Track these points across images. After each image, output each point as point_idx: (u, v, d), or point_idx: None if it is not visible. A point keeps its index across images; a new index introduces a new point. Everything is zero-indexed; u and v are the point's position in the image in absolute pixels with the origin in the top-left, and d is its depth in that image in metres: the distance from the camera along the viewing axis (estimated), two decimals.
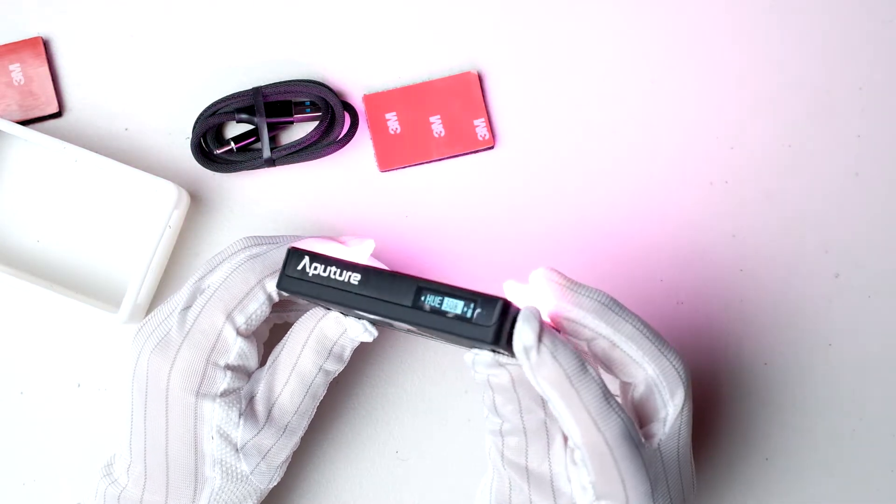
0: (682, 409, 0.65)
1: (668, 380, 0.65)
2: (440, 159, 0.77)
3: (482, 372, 0.64)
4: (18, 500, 0.76)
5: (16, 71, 0.77)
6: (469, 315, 0.61)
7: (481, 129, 0.77)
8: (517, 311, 0.62)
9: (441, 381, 0.77)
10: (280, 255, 0.67)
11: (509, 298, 0.62)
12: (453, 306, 0.61)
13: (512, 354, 0.63)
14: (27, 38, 0.77)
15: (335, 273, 0.64)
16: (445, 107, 0.77)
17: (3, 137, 0.77)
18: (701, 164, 0.78)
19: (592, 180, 0.77)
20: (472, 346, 0.64)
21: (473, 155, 0.78)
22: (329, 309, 0.67)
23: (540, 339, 0.61)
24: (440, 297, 0.62)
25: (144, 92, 0.78)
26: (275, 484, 0.70)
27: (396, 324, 0.65)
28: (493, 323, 0.61)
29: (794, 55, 0.79)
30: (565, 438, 0.65)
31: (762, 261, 0.78)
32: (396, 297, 0.62)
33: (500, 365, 0.64)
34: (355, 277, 0.63)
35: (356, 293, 0.63)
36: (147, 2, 0.78)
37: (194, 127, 0.76)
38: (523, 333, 0.61)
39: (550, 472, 0.65)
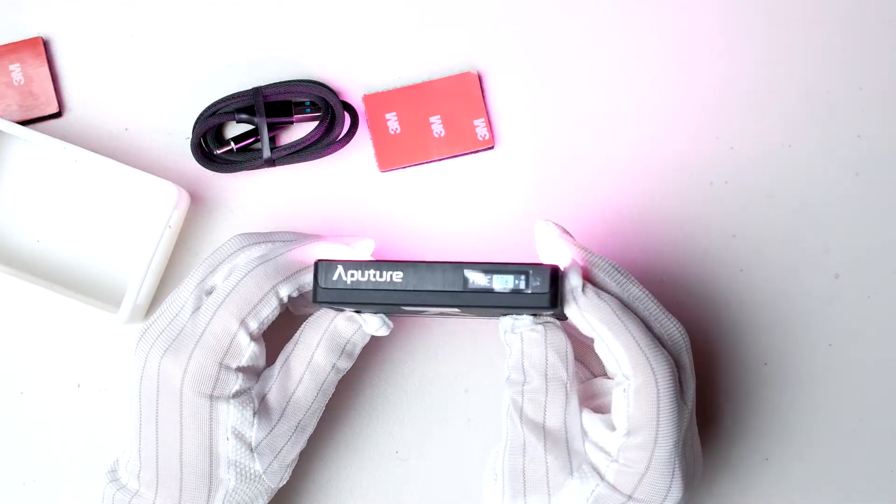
0: (691, 378, 0.67)
1: (671, 336, 0.67)
2: (440, 159, 0.77)
3: (519, 331, 0.66)
4: (18, 500, 0.76)
5: (16, 71, 0.77)
6: (522, 287, 0.63)
7: (481, 129, 0.77)
8: (562, 272, 0.64)
9: (441, 381, 0.77)
10: (289, 258, 0.67)
11: (545, 251, 0.66)
12: (504, 282, 0.63)
13: (554, 313, 0.65)
14: (27, 38, 0.77)
15: (375, 275, 0.64)
16: (445, 107, 0.77)
17: (3, 137, 0.77)
18: (701, 164, 0.78)
19: (592, 180, 0.77)
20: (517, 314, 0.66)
21: (473, 155, 0.78)
22: (360, 312, 0.68)
23: (585, 284, 0.65)
24: (488, 276, 0.63)
25: (144, 92, 0.78)
26: (283, 484, 0.71)
27: (431, 309, 0.66)
28: (548, 290, 0.63)
29: (794, 55, 0.79)
30: (590, 399, 0.68)
31: (762, 261, 0.78)
32: (444, 285, 0.64)
33: (539, 324, 0.66)
34: (397, 275, 0.64)
35: (402, 290, 0.64)
36: (147, 2, 0.78)
37: (194, 127, 0.76)
38: (572, 279, 0.65)
39: (566, 432, 0.66)
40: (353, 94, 0.78)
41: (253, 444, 0.68)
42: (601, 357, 0.66)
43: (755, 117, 0.78)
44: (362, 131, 0.77)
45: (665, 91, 0.78)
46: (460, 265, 0.64)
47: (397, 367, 0.77)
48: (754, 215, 0.78)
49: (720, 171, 0.78)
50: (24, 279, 0.74)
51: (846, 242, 0.78)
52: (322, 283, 0.65)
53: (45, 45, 0.78)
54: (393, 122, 0.77)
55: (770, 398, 0.77)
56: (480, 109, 0.77)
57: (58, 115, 0.77)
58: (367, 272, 0.64)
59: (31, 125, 0.77)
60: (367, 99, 0.77)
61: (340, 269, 0.65)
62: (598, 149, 0.78)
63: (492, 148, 0.78)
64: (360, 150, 0.77)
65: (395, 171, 0.77)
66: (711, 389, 0.77)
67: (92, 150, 0.75)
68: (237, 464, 0.68)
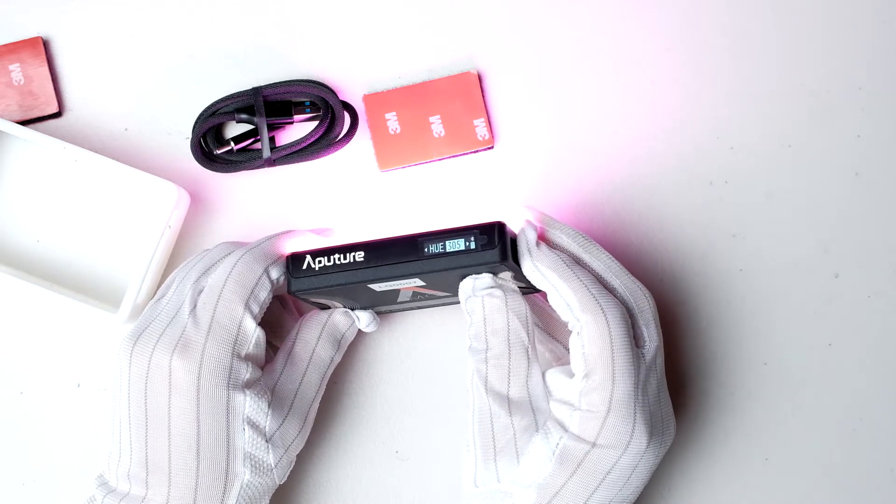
0: (654, 332, 0.69)
1: (638, 302, 0.69)
2: (440, 159, 0.77)
3: (479, 294, 0.68)
4: (18, 500, 0.76)
5: (16, 71, 0.77)
6: (473, 246, 0.67)
7: (481, 129, 0.77)
8: (512, 232, 0.68)
9: (441, 381, 0.77)
10: (270, 245, 0.70)
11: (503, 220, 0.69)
12: (456, 245, 0.67)
13: (512, 270, 0.68)
14: (27, 38, 0.77)
15: (340, 258, 0.68)
16: (445, 107, 0.77)
17: (3, 137, 0.77)
18: (701, 164, 0.78)
19: (591, 180, 0.77)
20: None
21: (473, 154, 0.78)
22: (335, 301, 0.72)
23: (538, 241, 0.68)
24: (441, 242, 0.67)
25: (144, 92, 0.78)
26: (283, 482, 0.71)
27: (402, 291, 0.69)
28: (497, 244, 0.67)
29: (794, 55, 0.79)
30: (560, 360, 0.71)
31: (762, 261, 0.78)
32: (402, 256, 0.68)
33: (496, 286, 0.68)
34: (359, 255, 0.68)
35: (365, 267, 0.68)
36: (147, 2, 0.78)
37: (194, 127, 0.76)
38: (527, 234, 0.68)
39: (530, 394, 0.68)
40: (353, 94, 0.78)
41: (267, 433, 0.69)
42: (556, 309, 0.68)
43: (755, 117, 0.78)
44: (362, 131, 0.77)
45: (665, 91, 0.78)
46: (415, 236, 0.68)
47: (397, 368, 0.77)
48: (754, 215, 0.78)
49: (720, 171, 0.78)
50: (24, 279, 0.74)
51: (846, 242, 0.78)
52: (296, 274, 0.69)
53: (45, 45, 0.78)
54: (393, 122, 0.77)
55: (770, 398, 0.77)
56: (480, 109, 0.77)
57: (58, 115, 0.77)
58: (332, 257, 0.69)
59: (31, 125, 0.77)
60: (367, 99, 0.77)
61: (309, 258, 0.69)
62: (598, 149, 0.78)
63: (491, 148, 0.78)
64: (360, 150, 0.77)
65: (395, 171, 0.77)
66: (712, 389, 0.77)
67: (92, 150, 0.75)
68: (252, 456, 0.69)
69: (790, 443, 0.77)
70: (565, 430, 0.67)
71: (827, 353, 0.77)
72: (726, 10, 0.79)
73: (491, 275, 0.69)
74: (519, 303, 0.68)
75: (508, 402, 0.68)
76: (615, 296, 0.68)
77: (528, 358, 0.68)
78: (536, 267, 0.67)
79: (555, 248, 0.69)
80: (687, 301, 0.77)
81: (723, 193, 0.78)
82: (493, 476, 0.68)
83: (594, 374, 0.66)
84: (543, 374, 0.69)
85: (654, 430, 0.67)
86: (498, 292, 0.68)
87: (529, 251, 0.68)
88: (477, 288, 0.69)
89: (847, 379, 0.77)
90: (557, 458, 0.67)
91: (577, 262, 0.69)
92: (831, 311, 0.78)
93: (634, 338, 0.68)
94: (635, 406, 0.66)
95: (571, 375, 0.68)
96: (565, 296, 0.67)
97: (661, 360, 0.69)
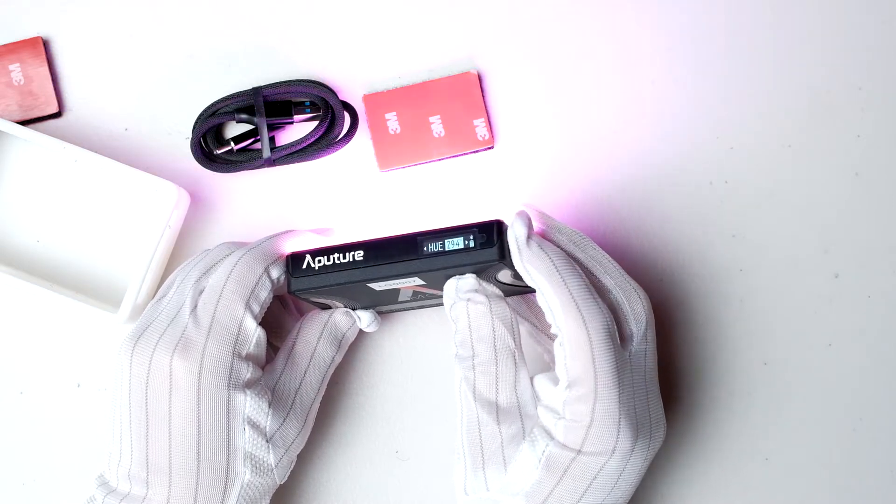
0: (646, 333, 0.68)
1: (631, 302, 0.68)
2: (440, 159, 0.77)
3: (463, 297, 0.68)
4: (18, 500, 0.76)
5: (16, 71, 0.77)
6: (472, 244, 0.67)
7: (481, 129, 0.77)
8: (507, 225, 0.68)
9: (441, 381, 0.77)
10: (271, 245, 0.70)
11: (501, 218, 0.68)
12: (455, 244, 0.67)
13: (511, 269, 0.67)
14: (27, 38, 0.77)
15: (339, 258, 0.69)
16: (445, 107, 0.77)
17: (3, 137, 0.77)
18: (701, 164, 0.78)
19: (592, 180, 0.77)
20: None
21: (473, 155, 0.78)
22: (335, 301, 0.72)
23: (529, 236, 0.67)
24: (440, 241, 0.67)
25: (144, 92, 0.78)
26: (283, 482, 0.71)
27: (402, 290, 0.69)
28: (496, 242, 0.67)
29: (794, 55, 0.79)
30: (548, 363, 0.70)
31: (762, 261, 0.78)
32: (402, 255, 0.68)
33: (479, 291, 0.68)
34: (358, 254, 0.68)
35: (365, 266, 0.68)
36: (147, 2, 0.78)
37: (194, 127, 0.76)
38: (516, 227, 0.67)
39: (518, 400, 0.68)
40: (353, 93, 0.78)
41: (268, 433, 0.69)
42: (543, 310, 0.67)
43: (755, 117, 0.78)
44: (362, 131, 0.77)
45: (665, 91, 0.78)
46: (413, 234, 0.68)
47: (397, 368, 0.77)
48: (754, 215, 0.78)
49: (720, 171, 0.78)
50: (24, 279, 0.74)
51: (846, 242, 0.78)
52: (295, 274, 0.69)
53: (45, 45, 0.78)
54: (393, 122, 0.77)
55: (770, 398, 0.77)
56: (480, 109, 0.77)
57: (58, 115, 0.77)
58: (332, 256, 0.69)
59: (31, 125, 0.77)
60: (367, 99, 0.77)
61: (308, 257, 0.69)
62: (598, 149, 0.78)
63: (491, 148, 0.78)
64: (360, 150, 0.77)
65: (395, 171, 0.77)
66: (711, 389, 0.77)
67: (92, 150, 0.75)
68: (252, 456, 0.69)
69: (790, 443, 0.77)
70: (551, 437, 0.67)
71: (827, 353, 0.77)
72: (726, 10, 0.79)
73: (475, 276, 0.68)
74: (503, 308, 0.68)
75: (497, 410, 0.68)
76: (607, 297, 0.68)
77: (516, 363, 0.68)
78: (525, 266, 0.67)
79: (550, 246, 0.68)
80: (687, 301, 0.77)
81: (723, 193, 0.78)
82: (482, 484, 0.68)
83: (576, 387, 0.66)
84: (532, 379, 0.69)
85: (639, 433, 0.67)
86: (481, 298, 0.68)
87: (519, 249, 0.67)
88: (460, 289, 0.68)
89: (847, 379, 0.77)
90: (544, 466, 0.66)
91: (573, 259, 0.68)
92: (831, 311, 0.78)
93: (622, 338, 0.68)
94: (619, 414, 0.66)
95: (556, 381, 0.68)
96: (549, 300, 0.66)
97: (651, 361, 0.69)
